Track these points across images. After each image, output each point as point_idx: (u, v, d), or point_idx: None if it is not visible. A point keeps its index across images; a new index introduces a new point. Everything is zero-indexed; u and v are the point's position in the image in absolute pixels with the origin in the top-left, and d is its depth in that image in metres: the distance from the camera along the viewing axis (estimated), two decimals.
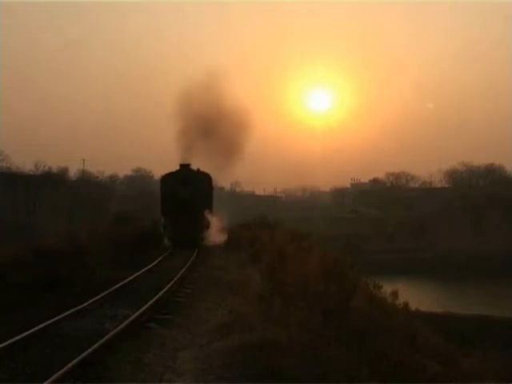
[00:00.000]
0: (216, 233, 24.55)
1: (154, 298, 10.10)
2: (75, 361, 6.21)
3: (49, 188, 63.74)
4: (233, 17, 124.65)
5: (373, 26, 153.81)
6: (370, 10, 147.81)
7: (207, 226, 24.18)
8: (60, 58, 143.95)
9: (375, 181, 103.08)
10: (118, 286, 11.73)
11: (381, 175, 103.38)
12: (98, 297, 10.34)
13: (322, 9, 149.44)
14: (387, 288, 14.64)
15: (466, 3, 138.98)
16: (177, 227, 23.06)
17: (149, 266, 15.23)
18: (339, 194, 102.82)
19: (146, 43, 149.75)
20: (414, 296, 25.83)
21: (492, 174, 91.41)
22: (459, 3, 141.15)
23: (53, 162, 74.52)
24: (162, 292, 10.81)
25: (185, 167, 24.69)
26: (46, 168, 71.29)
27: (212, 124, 26.21)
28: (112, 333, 7.53)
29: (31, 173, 70.85)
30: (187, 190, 23.67)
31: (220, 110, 26.00)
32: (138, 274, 13.68)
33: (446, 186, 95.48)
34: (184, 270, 14.53)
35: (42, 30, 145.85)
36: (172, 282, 12.14)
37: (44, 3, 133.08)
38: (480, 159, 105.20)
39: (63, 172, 73.21)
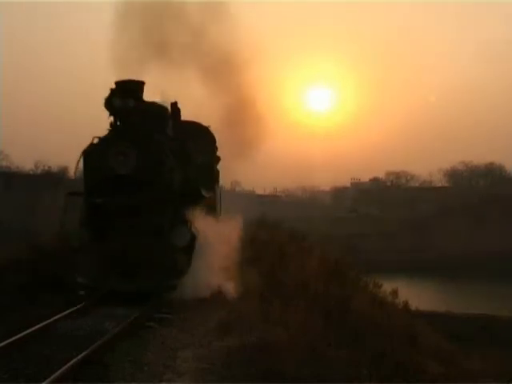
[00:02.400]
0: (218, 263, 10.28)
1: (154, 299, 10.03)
2: (75, 360, 6.21)
3: (48, 187, 63.67)
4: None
5: (379, 23, 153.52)
6: (376, 6, 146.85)
7: (190, 247, 10.06)
8: (61, 56, 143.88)
9: (375, 180, 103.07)
10: None
11: (381, 174, 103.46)
12: (98, 296, 10.30)
13: (325, 2, 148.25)
14: (387, 287, 14.68)
15: (475, 3, 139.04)
16: (103, 253, 9.68)
17: None
18: (339, 193, 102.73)
19: None
20: (413, 295, 25.83)
21: (492, 173, 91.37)
22: (470, 3, 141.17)
23: (53, 162, 74.03)
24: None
25: (128, 86, 10.24)
26: (46, 168, 71.21)
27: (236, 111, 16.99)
28: (111, 332, 7.54)
29: (31, 172, 70.79)
30: (130, 155, 9.84)
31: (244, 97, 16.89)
32: None
33: (446, 185, 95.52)
34: None
35: (41, 28, 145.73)
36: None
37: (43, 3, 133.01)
38: (480, 159, 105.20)
39: (63, 172, 73.11)
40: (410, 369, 7.84)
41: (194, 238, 10.18)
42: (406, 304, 14.83)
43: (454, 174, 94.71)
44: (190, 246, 10.12)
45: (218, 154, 14.60)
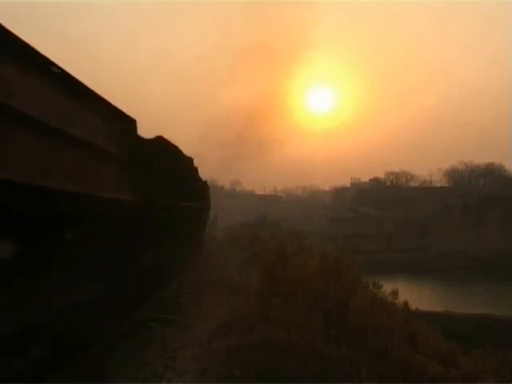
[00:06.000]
0: None
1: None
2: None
3: None
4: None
5: (381, 24, 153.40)
6: (378, 6, 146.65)
7: None
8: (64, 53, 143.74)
9: (375, 180, 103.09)
10: None
11: (381, 174, 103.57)
12: None
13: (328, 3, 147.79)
14: (387, 287, 14.66)
15: (476, 3, 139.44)
16: None
17: None
18: (339, 193, 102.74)
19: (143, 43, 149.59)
20: (413, 295, 25.80)
21: (492, 173, 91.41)
22: (470, 3, 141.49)
23: None
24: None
25: None
26: None
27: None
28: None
29: None
30: None
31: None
32: None
33: (446, 185, 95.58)
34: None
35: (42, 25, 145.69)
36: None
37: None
38: (480, 158, 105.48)
39: None
40: (410, 368, 7.84)
41: None
42: (405, 304, 14.82)
43: (453, 174, 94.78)
44: None
45: None
